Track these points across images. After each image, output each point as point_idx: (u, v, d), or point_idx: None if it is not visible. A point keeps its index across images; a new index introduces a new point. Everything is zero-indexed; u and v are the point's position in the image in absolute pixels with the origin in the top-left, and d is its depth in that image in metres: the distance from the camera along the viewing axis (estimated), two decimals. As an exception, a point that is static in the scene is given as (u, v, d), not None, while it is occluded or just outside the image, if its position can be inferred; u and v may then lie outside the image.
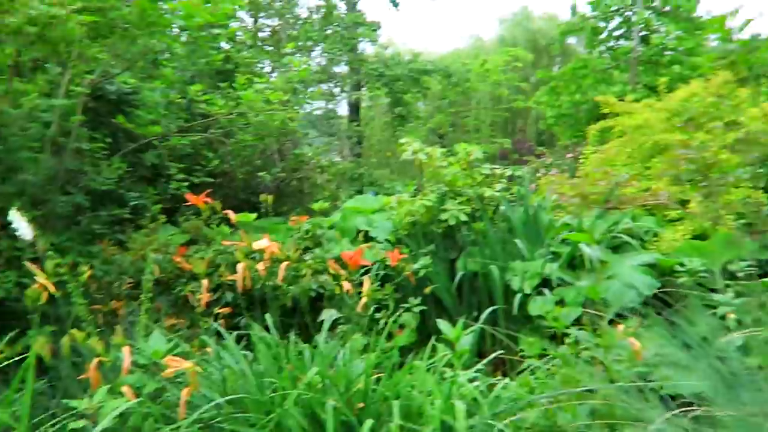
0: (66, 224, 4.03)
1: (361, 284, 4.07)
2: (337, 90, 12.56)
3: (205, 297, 2.69)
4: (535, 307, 3.89)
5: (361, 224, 5.27)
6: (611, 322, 2.84)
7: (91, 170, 4.26)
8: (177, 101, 5.43)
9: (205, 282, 2.79)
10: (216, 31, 4.21)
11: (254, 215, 5.04)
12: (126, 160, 4.65)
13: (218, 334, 2.75)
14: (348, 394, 1.93)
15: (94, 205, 4.30)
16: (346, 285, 3.30)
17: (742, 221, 3.76)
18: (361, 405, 1.89)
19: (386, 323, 3.78)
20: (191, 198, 3.88)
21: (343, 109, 16.14)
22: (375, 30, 12.66)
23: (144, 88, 5.07)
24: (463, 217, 4.55)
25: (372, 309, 3.84)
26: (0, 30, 3.21)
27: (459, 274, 4.37)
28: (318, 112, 12.82)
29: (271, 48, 11.48)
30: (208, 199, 3.90)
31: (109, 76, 4.60)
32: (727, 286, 3.35)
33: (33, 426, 2.09)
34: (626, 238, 4.25)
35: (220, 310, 3.16)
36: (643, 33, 12.61)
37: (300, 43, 11.55)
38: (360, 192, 10.72)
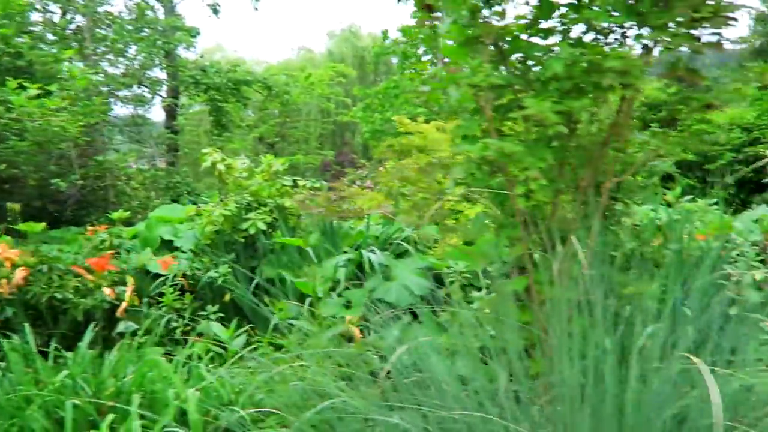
0: None
1: (161, 294, 4.18)
2: (149, 95, 12.03)
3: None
4: (326, 309, 4.26)
5: (165, 234, 5.25)
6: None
7: None
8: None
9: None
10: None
11: (42, 224, 4.75)
12: None
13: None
14: (99, 394, 2.05)
15: None
16: (107, 290, 3.42)
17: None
18: (112, 403, 2.03)
19: (182, 332, 3.95)
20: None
21: (157, 115, 15.37)
22: (194, 36, 12.38)
23: None
24: (263, 226, 4.77)
25: (168, 318, 3.94)
26: None
27: (255, 281, 4.58)
28: (127, 115, 12.14)
29: (76, 46, 10.68)
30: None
31: None
32: (488, 285, 4.00)
33: None
34: (406, 245, 4.81)
35: (-13, 324, 3.03)
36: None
37: (108, 44, 10.90)
38: (176, 201, 10.39)
